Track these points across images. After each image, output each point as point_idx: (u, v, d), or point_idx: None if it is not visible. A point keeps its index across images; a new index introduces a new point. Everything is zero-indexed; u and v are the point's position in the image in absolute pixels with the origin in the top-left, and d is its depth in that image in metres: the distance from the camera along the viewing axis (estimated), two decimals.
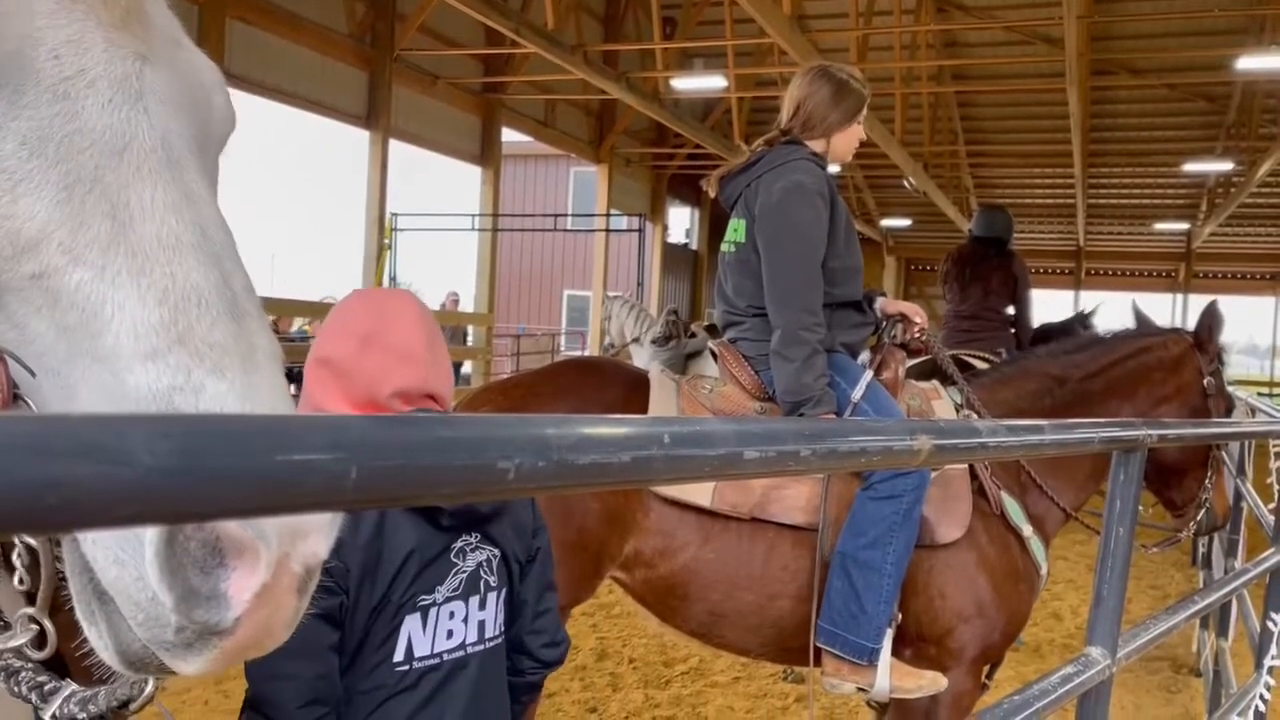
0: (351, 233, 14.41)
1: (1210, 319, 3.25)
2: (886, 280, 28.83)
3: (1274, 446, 3.68)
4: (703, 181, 3.30)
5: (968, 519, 2.87)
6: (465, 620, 1.59)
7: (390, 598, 1.50)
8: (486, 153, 16.27)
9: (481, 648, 1.61)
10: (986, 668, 3.03)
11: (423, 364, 1.57)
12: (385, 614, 1.51)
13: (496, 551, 1.64)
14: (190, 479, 0.43)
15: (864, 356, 3.11)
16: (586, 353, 20.05)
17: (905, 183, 19.02)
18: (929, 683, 2.79)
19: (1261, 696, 2.46)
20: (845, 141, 3.05)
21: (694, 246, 25.74)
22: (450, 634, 1.57)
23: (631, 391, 2.95)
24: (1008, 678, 4.70)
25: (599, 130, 19.20)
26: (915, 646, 2.89)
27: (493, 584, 1.63)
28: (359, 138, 13.96)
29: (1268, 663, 2.52)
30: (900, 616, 2.84)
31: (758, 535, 2.85)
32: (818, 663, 2.83)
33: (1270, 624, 2.61)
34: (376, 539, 1.50)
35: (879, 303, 3.15)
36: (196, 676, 0.82)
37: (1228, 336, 3.36)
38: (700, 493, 2.83)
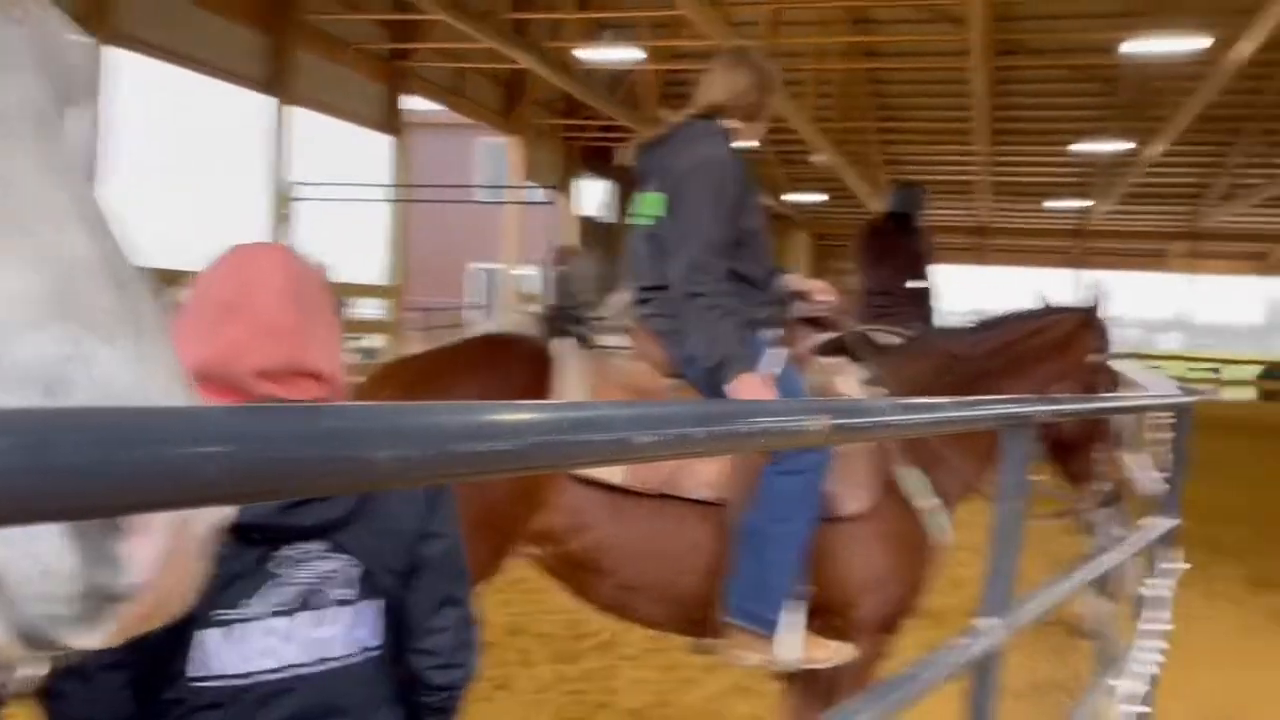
0: (252, 202, 13.96)
1: (1097, 297, 3.37)
2: (798, 255, 29.19)
3: (1154, 420, 3.85)
4: (618, 150, 3.31)
5: (871, 492, 2.93)
6: (291, 638, 1.39)
7: None
8: (393, 121, 15.92)
9: (318, 669, 1.41)
10: (889, 636, 3.11)
11: (290, 337, 1.37)
12: (176, 628, 1.30)
13: (354, 562, 1.43)
14: (38, 477, 0.40)
15: (771, 333, 3.14)
16: (494, 327, 19.85)
17: (814, 158, 19.24)
18: (834, 653, 2.85)
19: (1138, 658, 2.58)
20: (761, 127, 3.20)
21: (608, 220, 25.66)
22: (268, 653, 1.37)
23: (541, 367, 2.93)
24: (912, 645, 4.83)
25: (509, 100, 18.94)
26: (821, 618, 2.95)
27: (345, 598, 1.43)
28: (260, 104, 13.52)
29: (1144, 626, 2.64)
30: (806, 589, 2.89)
31: (667, 510, 2.87)
32: (725, 635, 2.87)
33: (1147, 590, 2.74)
34: None
35: (786, 280, 3.20)
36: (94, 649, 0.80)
37: (1119, 312, 3.49)
38: (610, 470, 2.83)
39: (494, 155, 23.17)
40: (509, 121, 18.94)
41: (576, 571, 2.87)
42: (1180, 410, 2.95)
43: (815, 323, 3.25)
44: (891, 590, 2.96)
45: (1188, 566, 2.99)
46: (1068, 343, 3.34)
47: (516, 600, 5.72)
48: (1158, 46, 12.61)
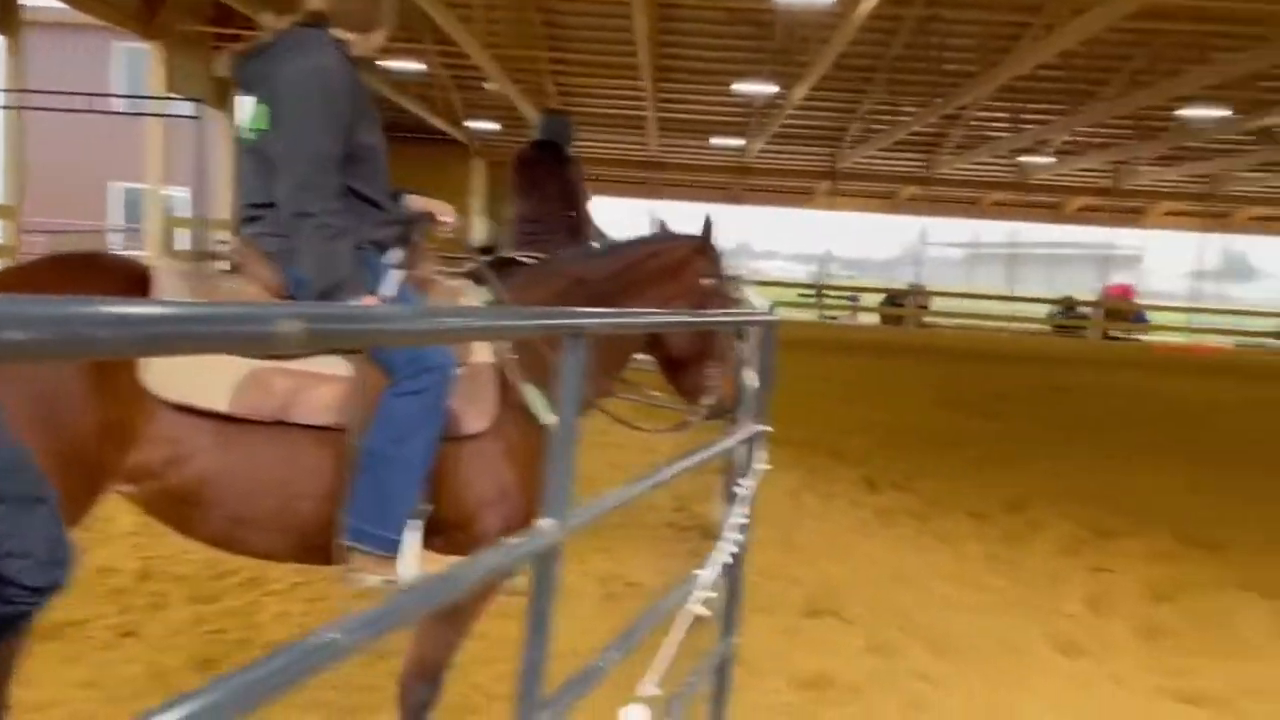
0: None
1: (708, 227, 3.63)
2: (474, 183, 28.92)
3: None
4: (216, 60, 3.10)
5: (493, 410, 3.00)
6: None
7: None
8: (6, 18, 13.90)
9: None
10: None
11: None
12: None
13: None
14: None
15: (394, 254, 3.10)
16: (144, 254, 18.13)
17: (486, 85, 19.01)
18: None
19: (729, 551, 2.87)
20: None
21: None
22: None
23: (132, 289, 2.71)
24: None
25: (149, 2, 17.09)
26: (446, 535, 3.00)
27: None
28: None
29: (733, 520, 2.94)
30: (429, 507, 2.92)
31: (281, 438, 2.78)
32: (346, 559, 2.85)
33: (737, 489, 3.04)
34: None
35: (407, 200, 3.17)
36: None
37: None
38: (216, 397, 2.69)
39: (137, 62, 20.88)
40: (149, 26, 17.11)
41: (179, 507, 2.72)
42: (766, 327, 3.27)
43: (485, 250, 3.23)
44: (513, 504, 3.05)
45: (769, 468, 3.34)
46: (680, 267, 3.57)
47: (148, 544, 5.34)
48: None
